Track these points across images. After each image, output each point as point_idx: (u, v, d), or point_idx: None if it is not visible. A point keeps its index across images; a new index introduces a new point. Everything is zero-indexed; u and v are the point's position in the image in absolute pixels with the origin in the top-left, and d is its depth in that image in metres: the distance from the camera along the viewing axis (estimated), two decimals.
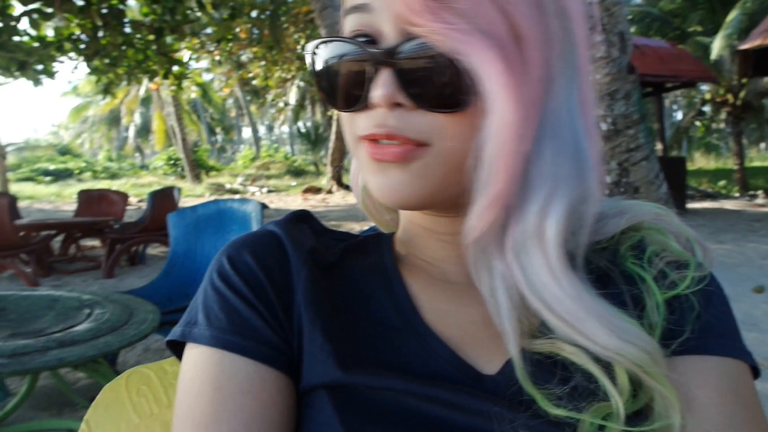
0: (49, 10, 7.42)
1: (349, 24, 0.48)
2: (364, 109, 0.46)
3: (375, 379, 0.46)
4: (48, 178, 24.88)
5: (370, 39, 0.46)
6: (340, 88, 0.48)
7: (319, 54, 0.49)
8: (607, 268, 0.50)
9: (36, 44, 7.94)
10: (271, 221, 0.58)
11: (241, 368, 0.47)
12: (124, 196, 7.93)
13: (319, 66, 0.49)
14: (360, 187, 0.61)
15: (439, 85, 0.43)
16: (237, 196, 16.29)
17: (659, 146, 11.88)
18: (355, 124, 0.48)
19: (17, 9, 7.35)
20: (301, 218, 0.60)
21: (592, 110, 0.51)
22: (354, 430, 0.44)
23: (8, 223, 5.44)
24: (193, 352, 0.49)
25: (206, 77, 25.83)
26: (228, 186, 20.69)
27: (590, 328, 0.43)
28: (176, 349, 0.52)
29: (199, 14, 8.84)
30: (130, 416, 0.63)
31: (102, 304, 2.21)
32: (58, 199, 18.28)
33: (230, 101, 33.59)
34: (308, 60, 0.51)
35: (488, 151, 0.43)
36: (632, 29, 15.00)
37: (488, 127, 0.43)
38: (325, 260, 0.55)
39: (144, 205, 8.59)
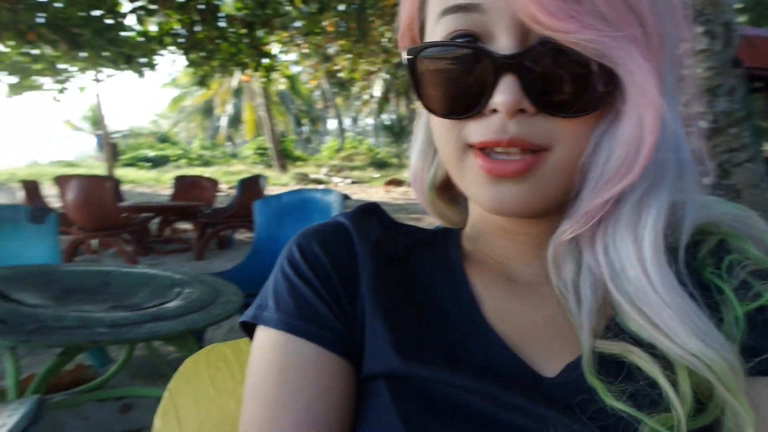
0: (153, 6, 7.90)
1: (448, 24, 0.46)
2: (477, 116, 0.45)
3: (433, 372, 0.47)
4: (148, 164, 26.54)
5: (472, 40, 0.45)
6: (449, 94, 0.46)
7: (423, 57, 0.47)
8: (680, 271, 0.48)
9: (141, 39, 8.50)
10: (341, 213, 0.60)
11: (304, 352, 0.50)
12: (214, 183, 8.35)
13: (422, 70, 0.47)
14: (426, 185, 0.61)
15: (572, 90, 0.43)
16: (321, 187, 16.68)
17: None
18: (464, 132, 0.46)
19: (125, 7, 7.89)
20: (370, 211, 0.62)
21: (692, 105, 0.51)
22: (409, 421, 0.45)
23: (112, 205, 5.88)
24: (262, 333, 0.53)
25: (294, 69, 26.56)
26: (312, 176, 21.21)
27: (672, 325, 0.42)
28: (249, 330, 0.55)
29: (288, 8, 9.09)
30: (208, 389, 0.68)
31: (191, 284, 2.35)
32: (156, 184, 19.46)
33: (317, 93, 34.35)
34: (407, 63, 0.48)
35: (623, 150, 0.44)
36: (742, 18, 13.94)
37: (626, 126, 0.43)
38: (390, 252, 0.56)
39: (233, 192, 8.99)
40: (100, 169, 19.93)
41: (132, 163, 26.48)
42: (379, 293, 0.52)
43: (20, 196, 6.98)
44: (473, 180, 0.47)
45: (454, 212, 0.62)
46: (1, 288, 2.04)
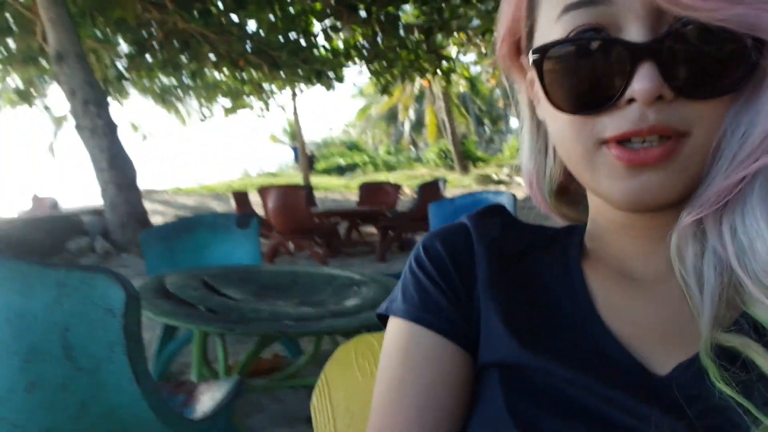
0: (340, 23, 8.59)
1: (571, 21, 0.46)
2: (611, 108, 0.45)
3: (542, 363, 0.48)
4: (339, 171, 28.59)
5: (596, 32, 0.45)
6: (581, 90, 0.46)
7: (552, 56, 0.47)
8: None
9: (329, 55, 9.30)
10: (466, 214, 0.64)
11: (425, 339, 0.54)
12: (397, 188, 8.75)
13: (550, 68, 0.48)
14: (545, 189, 0.62)
15: (715, 70, 0.42)
16: (503, 187, 16.51)
17: None
18: (597, 127, 0.46)
19: (315, 27, 8.72)
20: (494, 212, 0.64)
21: None
22: (516, 409, 0.47)
23: (305, 211, 6.48)
24: (391, 323, 0.58)
25: (474, 70, 26.63)
26: (494, 177, 21.04)
27: None
28: (385, 322, 0.61)
29: (465, 9, 9.21)
30: (356, 374, 0.76)
31: (368, 284, 2.52)
32: (346, 190, 20.84)
33: (498, 92, 34.00)
34: (534, 63, 0.48)
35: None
36: None
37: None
38: (508, 250, 0.58)
39: (415, 196, 9.34)
40: (297, 178, 21.96)
41: (325, 171, 28.73)
42: (493, 288, 0.55)
43: (232, 204, 8.02)
44: (609, 174, 0.46)
45: (576, 212, 0.63)
46: (214, 284, 2.39)
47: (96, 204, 8.81)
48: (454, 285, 0.57)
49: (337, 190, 21.20)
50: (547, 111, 0.51)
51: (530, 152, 0.61)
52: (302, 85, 11.14)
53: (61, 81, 7.18)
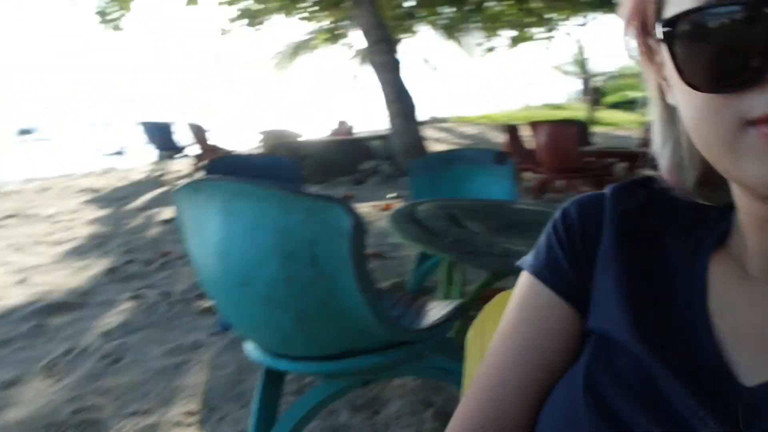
0: None
1: None
2: (759, 84, 0.39)
3: (632, 344, 0.51)
4: (630, 106, 26.21)
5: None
6: (722, 64, 0.41)
7: (686, 27, 0.42)
8: None
9: None
10: (612, 184, 0.65)
11: (541, 292, 0.62)
12: None
13: (684, 42, 0.43)
14: (690, 180, 0.57)
15: None
16: None
17: None
18: (743, 106, 0.40)
19: None
20: (641, 183, 0.63)
21: None
22: (592, 377, 0.51)
23: (573, 150, 6.26)
24: (522, 275, 0.66)
25: None
26: None
27: None
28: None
29: None
30: None
31: None
32: (636, 126, 19.11)
33: None
34: (664, 37, 0.44)
35: None
36: None
37: None
38: (642, 224, 0.59)
39: None
40: (582, 111, 20.85)
41: (615, 105, 26.66)
42: (612, 259, 0.57)
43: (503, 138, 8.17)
44: (758, 158, 0.41)
45: (728, 197, 0.56)
46: (458, 216, 2.62)
47: (381, 130, 9.93)
48: (577, 249, 0.61)
49: (625, 126, 19.58)
50: (680, 93, 0.47)
51: (663, 141, 0.57)
52: (590, 14, 10.47)
53: (358, 23, 8.11)
